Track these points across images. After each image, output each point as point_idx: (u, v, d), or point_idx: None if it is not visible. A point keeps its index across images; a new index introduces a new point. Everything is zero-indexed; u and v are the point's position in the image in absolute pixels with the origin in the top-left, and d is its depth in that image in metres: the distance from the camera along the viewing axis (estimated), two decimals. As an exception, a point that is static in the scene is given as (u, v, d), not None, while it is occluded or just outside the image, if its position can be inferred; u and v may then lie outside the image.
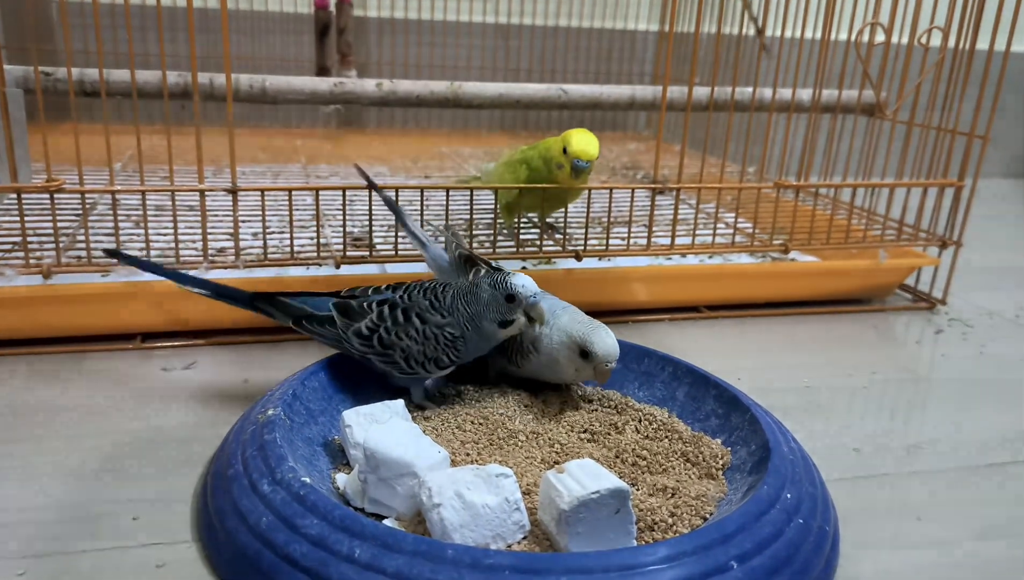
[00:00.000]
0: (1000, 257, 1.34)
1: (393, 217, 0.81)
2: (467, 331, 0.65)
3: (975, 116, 0.99)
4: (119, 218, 0.84)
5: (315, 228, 1.04)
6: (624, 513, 0.50)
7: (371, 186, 0.78)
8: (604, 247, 0.97)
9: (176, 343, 0.83)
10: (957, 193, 1.03)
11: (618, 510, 0.49)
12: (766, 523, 0.51)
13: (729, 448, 0.63)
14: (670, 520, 0.53)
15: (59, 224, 0.81)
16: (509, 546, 0.51)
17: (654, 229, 0.97)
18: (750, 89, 1.05)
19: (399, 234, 0.89)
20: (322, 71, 1.43)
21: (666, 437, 0.64)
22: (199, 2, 1.55)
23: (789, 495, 0.54)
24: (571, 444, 0.62)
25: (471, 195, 0.90)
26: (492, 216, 1.00)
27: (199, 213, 0.84)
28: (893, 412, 0.79)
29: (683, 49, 1.74)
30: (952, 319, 1.03)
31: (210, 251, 0.87)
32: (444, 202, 0.91)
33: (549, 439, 0.62)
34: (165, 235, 0.95)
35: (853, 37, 0.95)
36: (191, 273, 0.71)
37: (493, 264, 0.71)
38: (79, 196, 0.91)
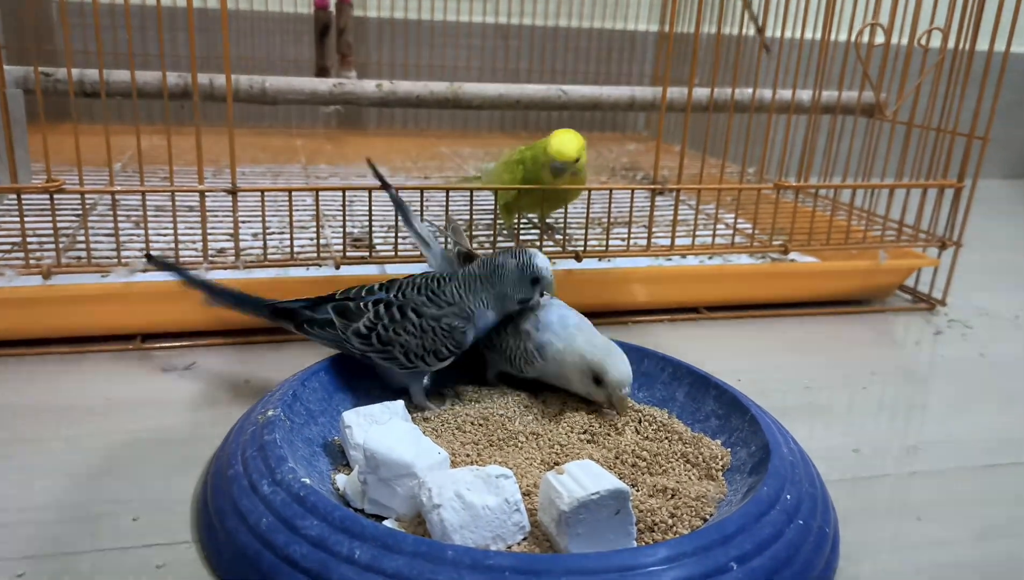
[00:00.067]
0: (1000, 258, 1.34)
1: (394, 218, 0.80)
2: (481, 311, 0.66)
3: (975, 117, 0.99)
4: (119, 219, 0.84)
5: (315, 229, 1.04)
6: (624, 514, 0.50)
7: (383, 184, 0.78)
8: (604, 248, 0.97)
9: (176, 344, 0.83)
10: (957, 194, 1.03)
11: (618, 511, 0.49)
12: (766, 524, 0.51)
13: (729, 449, 0.63)
14: (670, 521, 0.53)
15: (59, 225, 0.81)
16: (509, 547, 0.51)
17: (654, 230, 0.97)
18: (750, 90, 1.05)
19: (399, 234, 0.89)
20: (322, 72, 1.43)
21: (666, 438, 0.64)
22: (199, 2, 1.55)
23: (789, 496, 0.54)
24: (571, 445, 0.62)
25: (471, 195, 0.90)
26: (492, 216, 1.00)
27: (199, 214, 0.84)
28: (893, 413, 0.79)
29: (683, 50, 1.74)
30: (952, 320, 1.03)
31: (210, 252, 0.87)
32: (444, 202, 0.91)
33: (549, 440, 0.62)
34: (165, 236, 0.95)
35: (853, 38, 0.95)
36: (211, 279, 0.72)
37: None
38: (79, 197, 0.91)
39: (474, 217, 1.01)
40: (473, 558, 0.46)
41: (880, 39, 0.95)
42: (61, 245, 0.82)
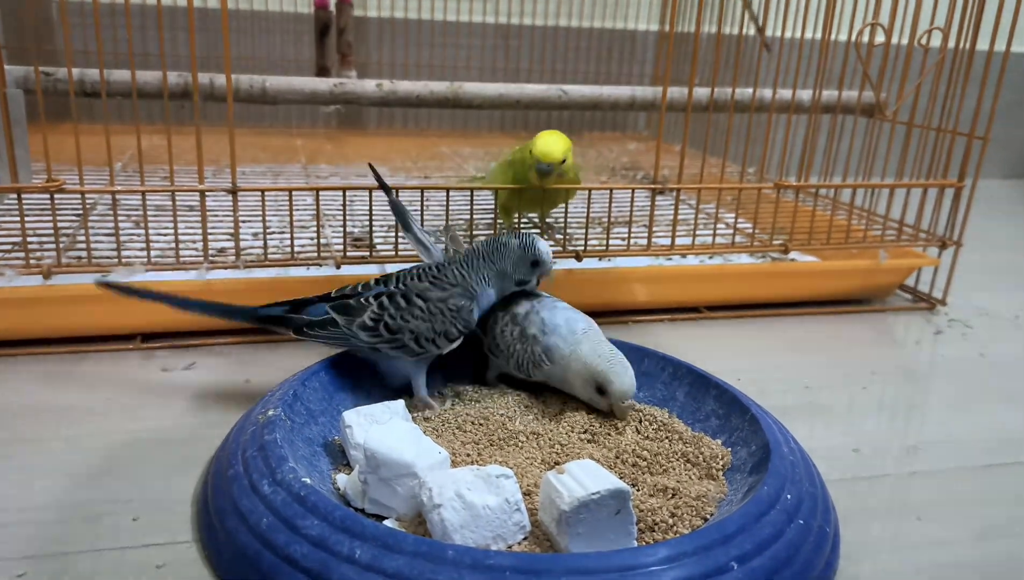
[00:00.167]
0: (1000, 258, 1.34)
1: (394, 219, 0.80)
2: (484, 288, 0.68)
3: (975, 117, 0.99)
4: (119, 218, 0.84)
5: (315, 228, 1.04)
6: (624, 514, 0.50)
7: (384, 188, 0.79)
8: (604, 247, 0.97)
9: (176, 343, 0.83)
10: (957, 194, 1.03)
11: (618, 511, 0.49)
12: (766, 524, 0.51)
13: (729, 449, 0.63)
14: (670, 521, 0.53)
15: (59, 224, 0.81)
16: (510, 547, 0.51)
17: (654, 229, 0.97)
18: (750, 89, 1.05)
19: (399, 235, 0.89)
20: (322, 71, 1.43)
21: (666, 438, 0.64)
22: (199, 2, 1.55)
23: (789, 496, 0.54)
24: (571, 445, 0.62)
25: (471, 195, 0.90)
26: (492, 216, 1.00)
27: (199, 213, 0.84)
28: (893, 412, 0.79)
29: (683, 49, 1.74)
30: (952, 320, 1.03)
31: (210, 251, 0.87)
32: (444, 202, 0.91)
33: (549, 440, 0.62)
34: (165, 235, 0.95)
35: (853, 38, 0.95)
36: (190, 297, 0.71)
37: None
38: (79, 196, 0.91)
39: (474, 217, 1.01)
40: (474, 558, 0.46)
41: (880, 39, 0.95)
42: (61, 245, 0.82)
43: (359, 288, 0.70)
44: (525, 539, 0.51)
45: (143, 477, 0.61)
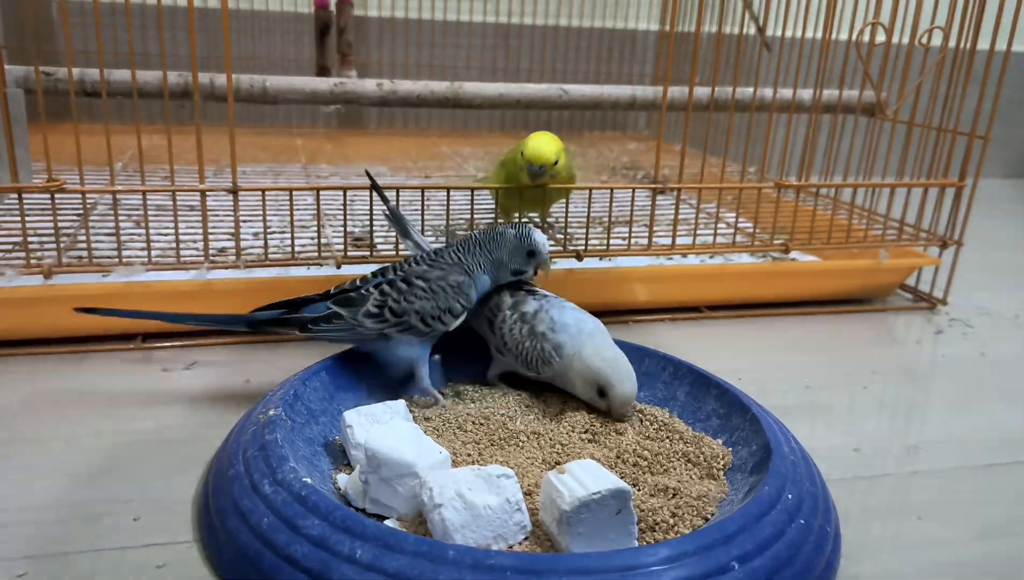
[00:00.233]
0: (1001, 257, 1.34)
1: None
2: (479, 273, 0.69)
3: (975, 116, 0.99)
4: (120, 218, 0.83)
5: (316, 228, 1.04)
6: (625, 514, 0.50)
7: (382, 198, 0.79)
8: (605, 247, 0.97)
9: (177, 343, 0.83)
10: (958, 193, 1.03)
11: (619, 511, 0.49)
12: (767, 524, 0.51)
13: (730, 448, 0.63)
14: (671, 521, 0.53)
15: (60, 224, 0.81)
16: (510, 547, 0.51)
17: (655, 229, 0.97)
18: (751, 89, 1.05)
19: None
20: (322, 71, 1.43)
21: (667, 437, 0.64)
22: (199, 1, 1.55)
23: (790, 495, 0.54)
24: (572, 444, 0.62)
25: (472, 195, 0.90)
26: (493, 216, 1.00)
27: (200, 213, 0.84)
28: (894, 412, 0.79)
29: (684, 49, 1.74)
30: (952, 319, 1.03)
31: (211, 251, 0.87)
32: (445, 202, 0.91)
33: (550, 439, 0.62)
34: (166, 235, 0.95)
35: (854, 37, 0.95)
36: (183, 314, 0.72)
37: None
38: (80, 196, 0.91)
39: (475, 217, 1.01)
40: (474, 558, 0.46)
41: (881, 38, 0.95)
42: (62, 245, 0.82)
43: (357, 282, 0.71)
44: (526, 539, 0.51)
45: (143, 477, 0.61)
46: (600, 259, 0.96)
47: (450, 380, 0.73)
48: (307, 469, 0.55)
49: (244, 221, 1.00)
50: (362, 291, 0.69)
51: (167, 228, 0.98)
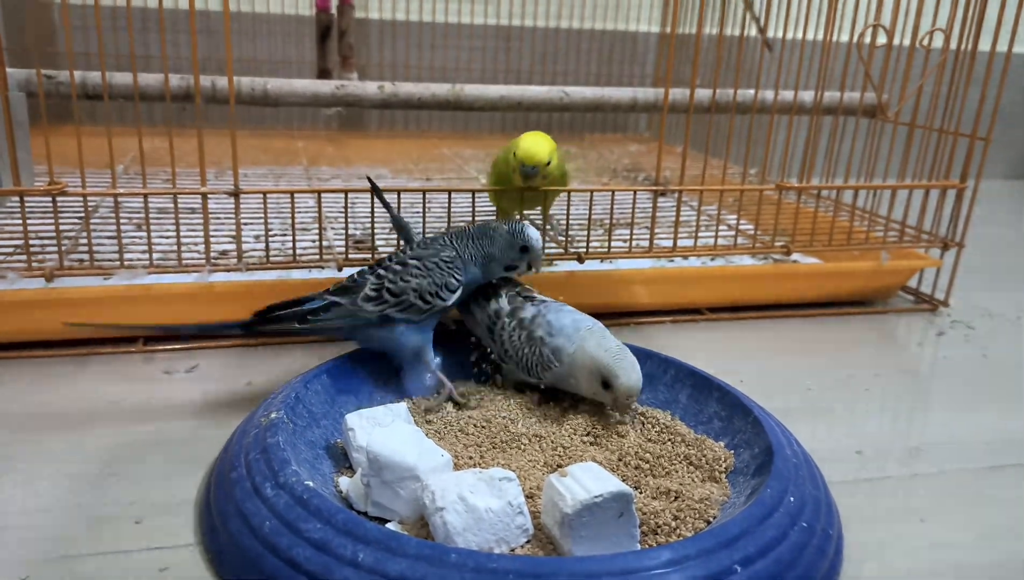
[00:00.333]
0: (1002, 258, 1.34)
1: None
2: (469, 264, 0.70)
3: (977, 118, 0.99)
4: (121, 221, 0.84)
5: (317, 231, 1.04)
6: (627, 516, 0.50)
7: (384, 205, 0.79)
8: (606, 249, 0.97)
9: (178, 346, 0.83)
10: (959, 195, 1.03)
11: (621, 513, 0.49)
12: (769, 527, 0.51)
13: (732, 451, 0.63)
14: (673, 524, 0.53)
15: (61, 227, 0.81)
16: (512, 550, 0.51)
17: (656, 231, 0.97)
18: (752, 91, 1.05)
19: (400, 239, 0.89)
20: (323, 73, 1.43)
21: (669, 440, 0.64)
22: (201, 4, 1.55)
23: (792, 498, 0.54)
24: (574, 447, 0.62)
25: (473, 198, 0.90)
26: (494, 218, 1.00)
27: (201, 216, 0.84)
28: (896, 414, 0.79)
29: (685, 51, 1.74)
30: (954, 321, 1.03)
31: (212, 254, 0.87)
32: (446, 205, 0.91)
33: (552, 442, 0.62)
34: (167, 238, 0.95)
35: (855, 39, 0.95)
36: (180, 325, 0.74)
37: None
38: (81, 199, 0.91)
39: (476, 220, 1.01)
40: (476, 561, 0.46)
41: (882, 40, 0.95)
42: (63, 247, 0.82)
43: (355, 275, 0.71)
44: (528, 542, 0.51)
45: (146, 480, 0.61)
46: (601, 261, 0.96)
47: (452, 381, 0.73)
48: (309, 472, 0.55)
49: (245, 224, 1.00)
50: (358, 280, 0.69)
51: (168, 231, 0.98)
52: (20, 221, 0.80)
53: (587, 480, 0.50)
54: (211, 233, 0.86)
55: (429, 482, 0.51)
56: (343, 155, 1.54)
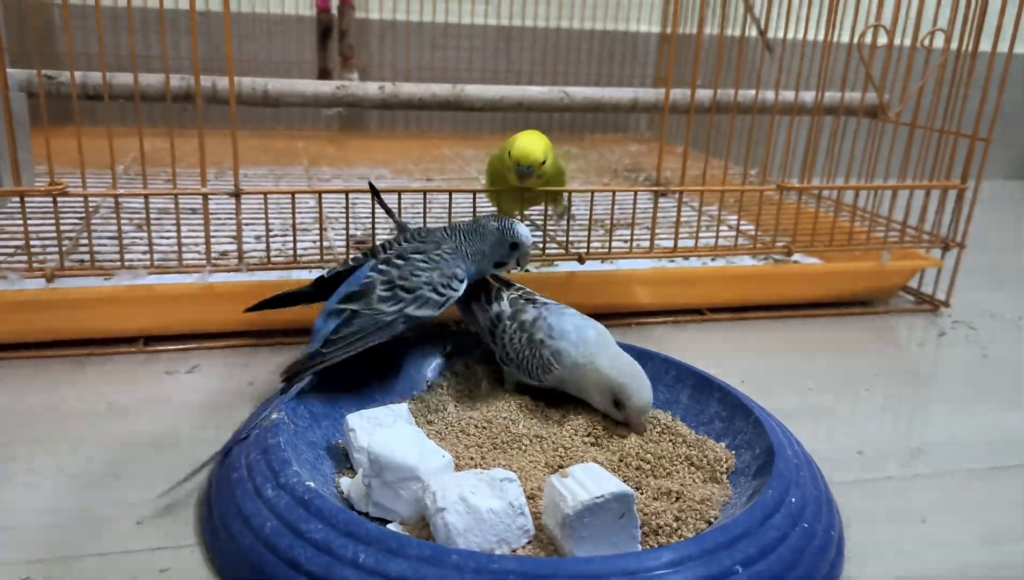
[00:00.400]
0: (1003, 259, 1.34)
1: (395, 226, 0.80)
2: (464, 258, 0.70)
3: (977, 118, 0.99)
4: (122, 221, 0.84)
5: (318, 231, 1.04)
6: (628, 517, 0.50)
7: (387, 211, 0.79)
8: (607, 250, 0.97)
9: (179, 346, 0.83)
10: (960, 195, 1.03)
11: (622, 514, 0.49)
12: (771, 527, 0.51)
13: (733, 452, 0.63)
14: (674, 524, 0.53)
15: (62, 227, 0.81)
16: (514, 551, 0.51)
17: (657, 231, 0.97)
18: (753, 91, 1.05)
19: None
20: (324, 74, 1.43)
21: (670, 441, 0.63)
22: (201, 5, 1.55)
23: (794, 499, 0.54)
24: (575, 448, 0.62)
25: (474, 198, 0.90)
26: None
27: (202, 216, 0.84)
28: (897, 415, 0.79)
29: (685, 51, 1.74)
30: (955, 321, 1.03)
31: (213, 254, 0.87)
32: (447, 205, 0.91)
33: (553, 443, 0.62)
34: (168, 238, 0.95)
35: (856, 39, 0.95)
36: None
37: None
38: (82, 199, 0.91)
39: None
40: (477, 562, 0.46)
41: (883, 40, 0.95)
42: (64, 248, 0.82)
43: (350, 262, 0.72)
44: (529, 543, 0.51)
45: (146, 480, 0.61)
46: (602, 262, 0.96)
47: (455, 373, 0.73)
48: (310, 473, 0.55)
49: (246, 224, 1.00)
50: (360, 287, 0.67)
51: (169, 231, 0.98)
52: (21, 221, 0.80)
53: (588, 481, 0.50)
54: (212, 233, 0.86)
55: (430, 483, 0.51)
56: (344, 155, 1.54)
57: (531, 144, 0.82)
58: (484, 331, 0.72)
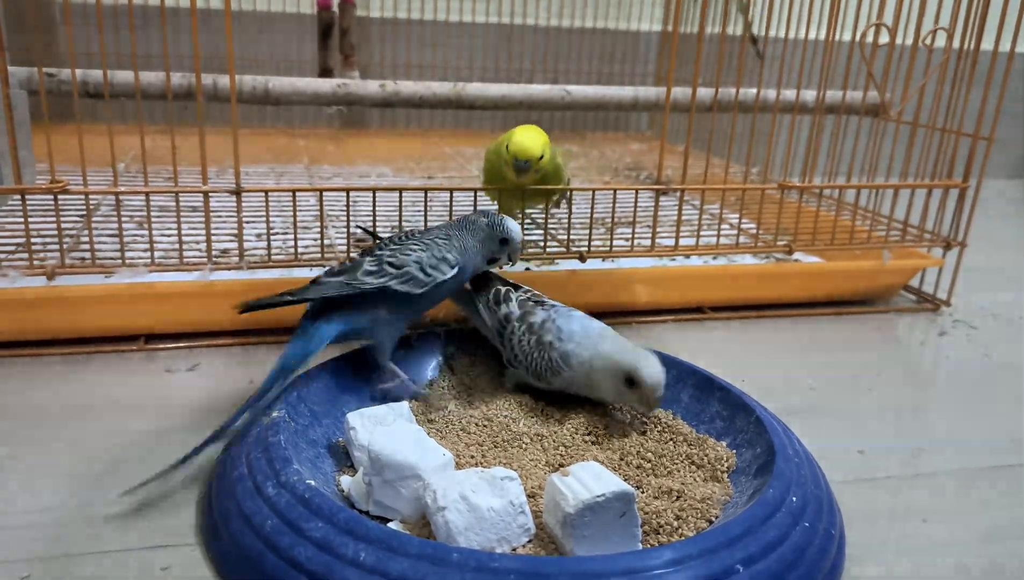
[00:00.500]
0: (1004, 258, 1.34)
1: (397, 218, 0.80)
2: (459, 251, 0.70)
3: (979, 117, 0.99)
4: (123, 219, 0.84)
5: (319, 229, 1.04)
6: (629, 516, 0.50)
7: (374, 237, 0.79)
8: (608, 248, 0.97)
9: (180, 345, 0.83)
10: (961, 194, 1.03)
11: (623, 513, 0.49)
12: (772, 526, 0.50)
13: (734, 451, 0.63)
14: (675, 523, 0.53)
15: (63, 225, 0.81)
16: (514, 549, 0.51)
17: (658, 230, 0.97)
18: (754, 90, 1.05)
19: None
20: (325, 72, 1.42)
21: (671, 440, 0.63)
22: (202, 3, 1.55)
23: (795, 498, 0.54)
24: (575, 446, 0.62)
25: (475, 196, 0.90)
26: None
27: (203, 214, 0.84)
28: (898, 414, 0.78)
29: (686, 50, 1.74)
30: (956, 320, 1.03)
31: (214, 252, 0.87)
32: (448, 203, 0.91)
33: (553, 442, 0.62)
34: (169, 236, 0.95)
35: (857, 38, 0.94)
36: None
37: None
38: (83, 197, 0.91)
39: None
40: (478, 560, 0.46)
41: (884, 39, 0.95)
42: (65, 246, 0.82)
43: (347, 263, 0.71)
44: (530, 542, 0.51)
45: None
46: (603, 260, 0.96)
47: (456, 371, 0.73)
48: (310, 471, 0.55)
49: (247, 222, 1.00)
50: (355, 263, 0.68)
51: (170, 229, 0.98)
52: (22, 219, 0.79)
53: (589, 480, 0.50)
54: (212, 231, 0.86)
55: (431, 481, 0.51)
56: (344, 153, 1.54)
57: (529, 139, 0.81)
58: (492, 333, 0.72)
